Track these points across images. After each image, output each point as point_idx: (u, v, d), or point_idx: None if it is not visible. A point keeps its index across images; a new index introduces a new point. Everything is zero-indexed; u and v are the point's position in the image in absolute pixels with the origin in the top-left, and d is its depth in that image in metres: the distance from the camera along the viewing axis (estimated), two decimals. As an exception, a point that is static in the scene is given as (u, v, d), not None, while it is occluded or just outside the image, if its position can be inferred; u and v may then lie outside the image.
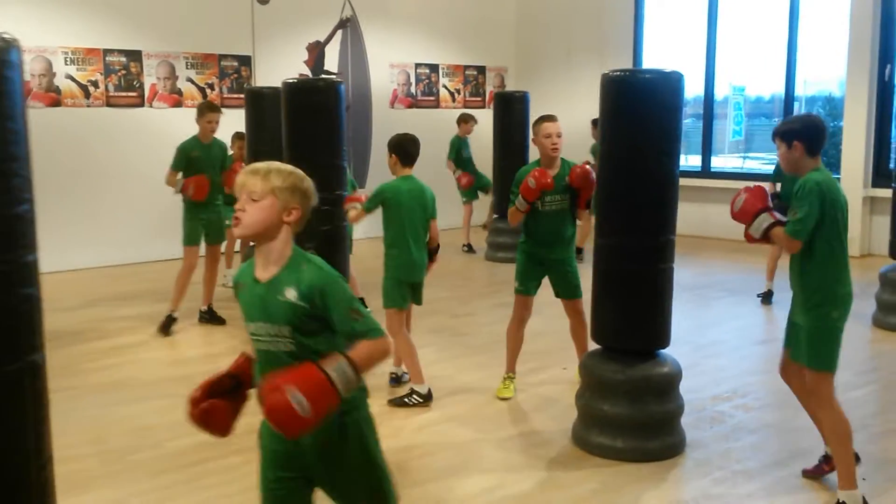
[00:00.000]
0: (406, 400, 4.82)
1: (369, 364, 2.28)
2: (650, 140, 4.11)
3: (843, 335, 3.49)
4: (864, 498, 3.46)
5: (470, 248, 9.98)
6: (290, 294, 2.26)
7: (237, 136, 7.76)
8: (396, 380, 5.15)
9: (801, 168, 3.52)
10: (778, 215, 3.53)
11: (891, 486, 3.74)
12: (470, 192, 10.05)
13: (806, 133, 3.52)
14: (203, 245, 6.71)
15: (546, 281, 4.97)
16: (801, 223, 3.40)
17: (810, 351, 3.48)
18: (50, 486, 2.14)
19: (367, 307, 2.46)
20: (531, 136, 4.91)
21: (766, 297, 7.35)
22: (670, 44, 11.81)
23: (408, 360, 4.88)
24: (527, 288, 4.93)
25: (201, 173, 6.41)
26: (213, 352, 6.04)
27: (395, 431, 4.49)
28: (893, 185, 6.76)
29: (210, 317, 6.69)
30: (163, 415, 4.71)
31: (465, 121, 10.11)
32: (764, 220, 3.54)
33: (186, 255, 6.57)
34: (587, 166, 4.81)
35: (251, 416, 4.43)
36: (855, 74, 9.66)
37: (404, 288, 4.87)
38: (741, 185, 7.70)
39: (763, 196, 3.59)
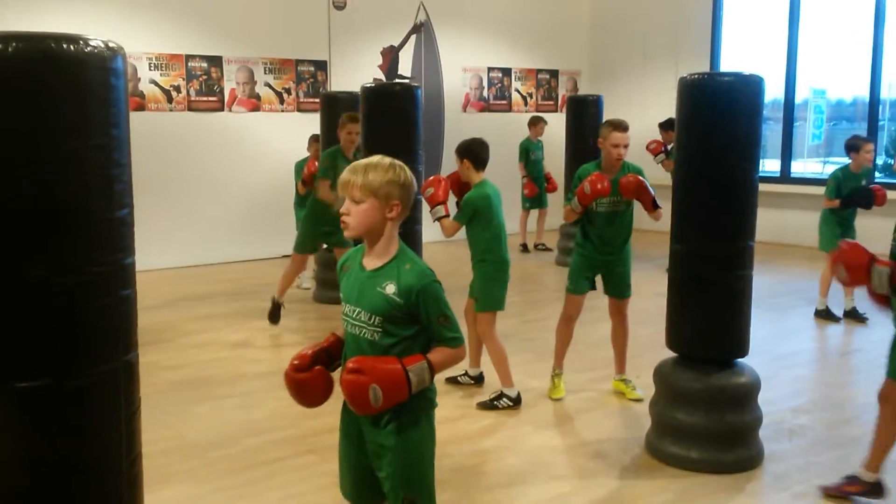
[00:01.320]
0: (496, 403, 4.83)
1: (444, 368, 2.47)
2: (729, 145, 4.03)
3: None
4: None
5: (525, 248, 10.21)
6: (390, 288, 2.41)
7: (314, 139, 7.88)
8: (474, 379, 5.20)
9: None
10: (884, 260, 3.28)
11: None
12: (532, 200, 10.11)
13: None
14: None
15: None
16: None
17: None
18: (139, 479, 2.21)
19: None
20: (599, 138, 4.88)
21: (827, 314, 6.95)
22: (749, 46, 11.55)
23: (499, 364, 4.88)
24: (576, 287, 4.95)
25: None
26: (288, 353, 6.14)
27: (467, 435, 4.50)
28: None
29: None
30: (240, 413, 4.82)
31: (535, 123, 10.14)
32: (882, 272, 3.25)
33: (295, 260, 6.72)
34: (639, 177, 4.74)
35: (326, 417, 4.50)
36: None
37: (504, 289, 4.89)
38: (822, 190, 7.52)
39: (859, 248, 3.35)
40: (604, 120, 9.32)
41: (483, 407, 4.84)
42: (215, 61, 9.50)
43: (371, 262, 2.47)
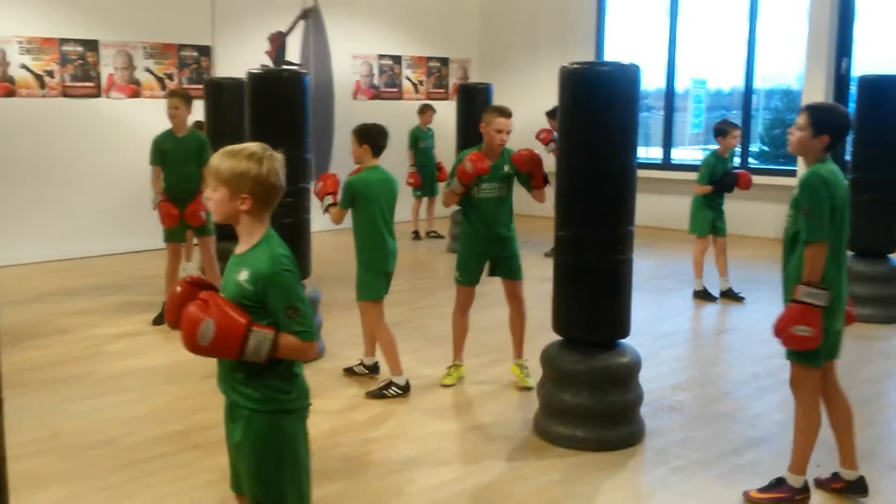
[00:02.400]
0: (384, 392, 4.82)
1: (288, 356, 2.37)
2: (608, 132, 4.14)
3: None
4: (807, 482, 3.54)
5: (417, 236, 10.30)
6: (243, 275, 2.34)
7: (197, 125, 7.62)
8: (369, 369, 5.18)
9: (809, 157, 3.41)
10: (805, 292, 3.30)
11: (844, 473, 3.81)
12: (423, 188, 10.23)
13: (839, 131, 3.43)
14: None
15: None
16: (818, 223, 3.28)
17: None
18: (3, 483, 2.09)
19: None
20: (482, 123, 4.89)
21: (704, 295, 7.21)
22: (633, 37, 11.88)
23: (388, 352, 4.86)
24: (467, 278, 4.98)
25: (176, 168, 6.26)
26: (169, 348, 5.96)
27: (358, 425, 4.48)
28: (849, 176, 6.87)
29: None
30: (120, 410, 4.65)
31: (424, 111, 10.24)
32: (807, 293, 3.28)
33: (169, 251, 6.43)
34: (532, 150, 4.82)
35: (210, 412, 4.39)
36: (813, 68, 9.80)
37: (382, 279, 4.86)
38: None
39: (799, 312, 3.32)
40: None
41: (372, 396, 4.82)
42: (91, 45, 9.08)
43: (239, 248, 2.42)
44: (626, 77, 4.17)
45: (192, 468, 3.88)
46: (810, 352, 3.37)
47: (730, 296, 7.17)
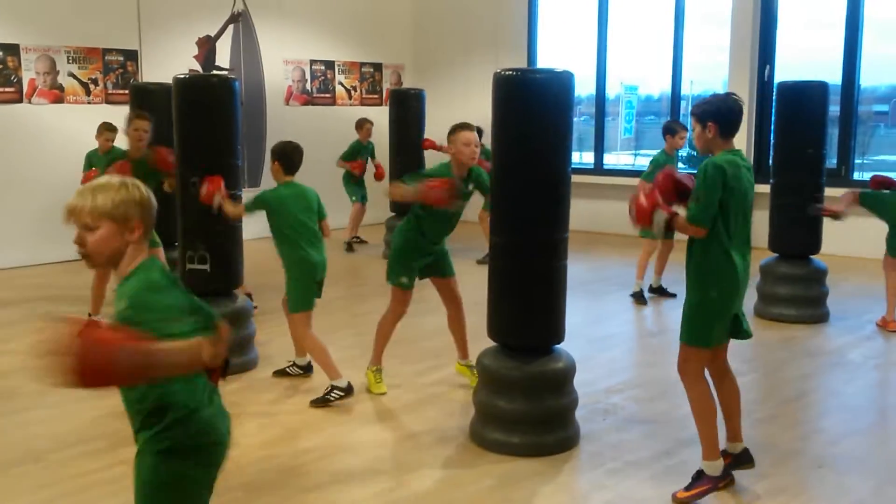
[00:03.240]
0: (328, 397, 4.78)
1: (158, 363, 2.06)
2: (541, 138, 4.17)
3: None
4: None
5: (350, 246, 9.97)
6: (121, 304, 2.18)
7: (105, 127, 7.30)
8: (303, 369, 5.21)
9: (714, 149, 3.57)
10: (672, 209, 3.60)
11: (773, 471, 3.91)
12: (358, 189, 10.02)
13: (722, 115, 3.55)
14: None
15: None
16: (704, 208, 3.46)
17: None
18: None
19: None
20: (446, 142, 4.89)
21: (640, 297, 7.36)
22: (565, 43, 12.04)
23: (321, 359, 4.83)
24: (408, 281, 4.92)
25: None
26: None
27: (291, 434, 4.42)
28: (771, 181, 7.07)
29: None
30: (45, 426, 4.51)
31: (362, 125, 10.04)
32: (660, 218, 3.56)
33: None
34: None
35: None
36: (736, 74, 10.07)
37: (311, 289, 4.84)
38: (633, 181, 7.95)
39: (654, 196, 3.61)
40: (426, 114, 9.52)
41: (316, 404, 4.78)
42: (12, 49, 8.80)
43: (116, 282, 2.26)
44: (559, 84, 4.20)
45: (123, 484, 3.74)
46: (701, 333, 3.56)
47: (660, 292, 7.34)
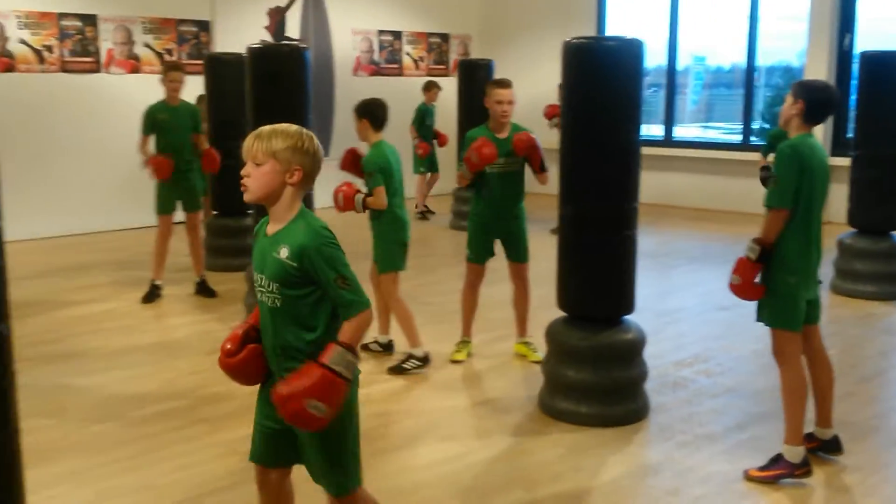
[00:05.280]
0: (405, 365, 4.83)
1: (359, 339, 2.41)
2: (611, 107, 4.13)
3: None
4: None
5: (423, 215, 10.03)
6: (283, 252, 2.35)
7: (200, 100, 7.58)
8: (384, 347, 5.19)
9: (791, 128, 3.52)
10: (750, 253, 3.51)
11: (850, 448, 3.83)
12: (425, 162, 10.08)
13: (817, 101, 3.49)
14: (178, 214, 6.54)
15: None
16: (782, 191, 3.40)
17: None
18: (17, 456, 2.10)
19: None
20: (485, 98, 4.89)
21: None
22: (634, 13, 11.80)
23: (405, 325, 4.87)
24: (478, 256, 4.99)
25: (169, 138, 6.27)
26: (174, 323, 5.98)
27: (364, 398, 4.46)
28: (852, 154, 6.86)
29: (201, 289, 6.51)
30: (126, 385, 4.66)
31: (429, 88, 10.13)
32: (748, 247, 3.50)
33: (160, 224, 6.42)
34: (531, 135, 4.80)
35: (214, 387, 4.40)
36: (815, 45, 9.76)
37: (401, 250, 4.86)
38: (702, 153, 7.81)
39: (749, 267, 3.52)
40: (491, 82, 9.47)
41: (393, 371, 4.83)
42: (90, 20, 9.02)
43: (271, 228, 2.43)
44: (630, 52, 4.14)
45: (201, 442, 3.90)
46: (790, 315, 3.49)
47: None
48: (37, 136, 8.70)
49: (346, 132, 5.01)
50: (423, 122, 10.06)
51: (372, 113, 4.81)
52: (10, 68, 8.52)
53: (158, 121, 6.28)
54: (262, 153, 2.36)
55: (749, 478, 3.58)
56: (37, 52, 8.71)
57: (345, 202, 4.75)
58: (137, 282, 6.77)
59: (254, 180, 2.38)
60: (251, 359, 2.47)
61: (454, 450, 3.89)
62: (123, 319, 5.99)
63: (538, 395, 4.38)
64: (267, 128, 2.41)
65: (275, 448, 2.55)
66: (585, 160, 4.18)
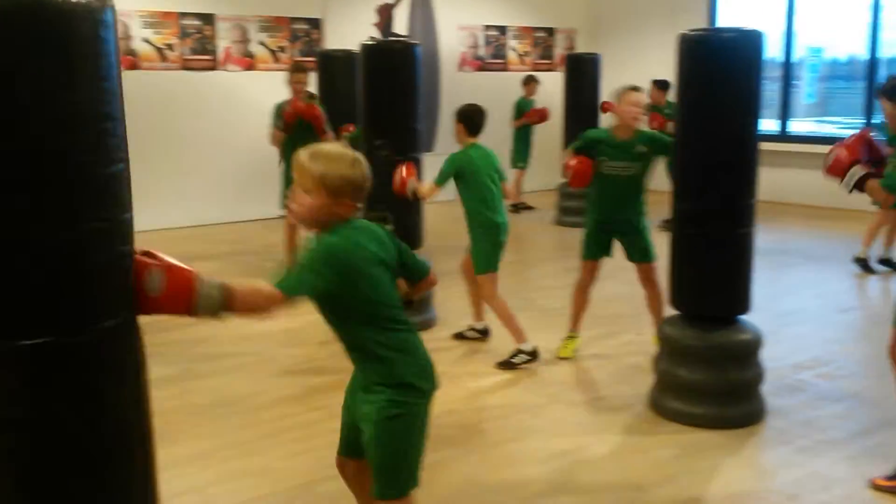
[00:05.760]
0: (514, 360, 4.84)
1: (246, 302, 2.26)
2: (730, 101, 4.01)
3: None
4: None
5: (516, 209, 9.99)
6: None
7: (311, 97, 7.75)
8: (481, 332, 5.30)
9: None
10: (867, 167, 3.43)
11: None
12: (523, 156, 10.04)
13: None
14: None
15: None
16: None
17: None
18: (150, 436, 2.21)
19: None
20: (615, 101, 4.83)
21: (864, 265, 7.04)
22: (746, 4, 11.44)
23: (508, 323, 4.89)
24: (591, 253, 4.91)
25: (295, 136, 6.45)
26: (291, 313, 6.14)
27: (472, 392, 4.53)
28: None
29: None
30: (244, 372, 4.83)
31: (528, 82, 10.19)
32: (855, 173, 3.42)
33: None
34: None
35: (329, 376, 4.51)
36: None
37: (497, 250, 4.90)
38: (819, 148, 7.53)
39: (857, 149, 3.45)
40: (601, 79, 9.36)
41: (502, 366, 4.85)
42: (208, 19, 9.36)
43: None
44: (749, 44, 4.02)
45: (318, 428, 3.99)
46: None
47: (888, 264, 7.04)
48: (158, 131, 9.09)
49: (451, 127, 5.05)
50: (520, 115, 10.08)
51: (469, 118, 4.89)
52: (134, 66, 8.92)
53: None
54: (313, 181, 2.34)
55: (875, 486, 3.43)
56: (159, 50, 9.10)
57: (400, 183, 4.89)
58: (254, 272, 6.99)
59: (299, 208, 2.41)
60: None
61: (564, 445, 3.87)
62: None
63: (648, 394, 4.31)
64: (322, 151, 2.38)
65: (346, 439, 2.62)
66: (702, 155, 4.08)
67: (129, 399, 2.08)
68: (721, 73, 4.00)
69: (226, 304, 2.17)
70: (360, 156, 2.42)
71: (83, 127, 1.85)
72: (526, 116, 10.02)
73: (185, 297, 2.12)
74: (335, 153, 2.39)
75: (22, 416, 1.92)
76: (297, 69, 6.65)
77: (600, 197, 4.82)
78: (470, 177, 4.79)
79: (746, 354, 4.12)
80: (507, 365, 4.84)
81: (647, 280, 4.92)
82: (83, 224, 1.88)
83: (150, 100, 9.01)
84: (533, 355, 4.85)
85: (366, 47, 5.60)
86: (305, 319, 6.09)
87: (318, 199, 2.32)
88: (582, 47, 12.31)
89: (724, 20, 11.33)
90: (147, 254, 2.11)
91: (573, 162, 4.71)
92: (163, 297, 2.09)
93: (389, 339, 2.40)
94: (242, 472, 3.64)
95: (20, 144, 1.79)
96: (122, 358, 2.05)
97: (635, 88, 4.74)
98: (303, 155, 2.36)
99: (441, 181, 4.83)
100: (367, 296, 2.37)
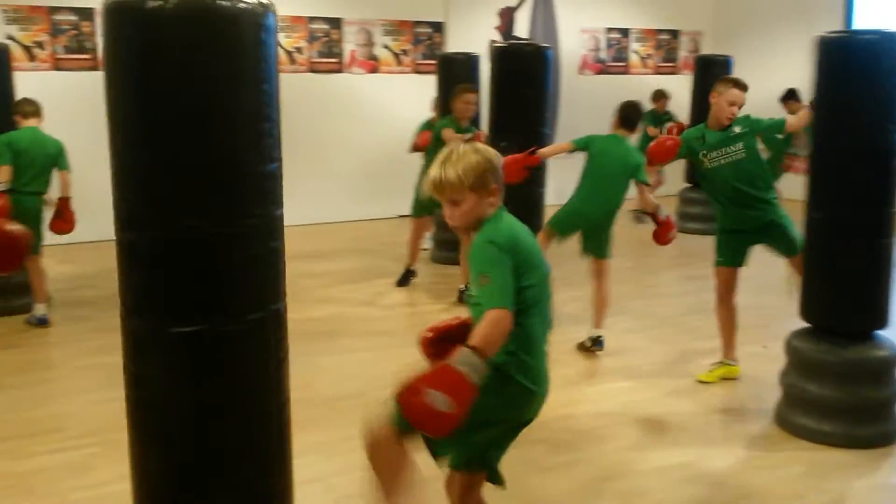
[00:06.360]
0: (584, 342, 5.12)
1: (490, 343, 2.21)
2: (871, 106, 3.85)
3: None
4: None
5: (639, 218, 9.74)
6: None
7: (437, 102, 7.87)
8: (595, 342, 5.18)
9: None
10: None
11: None
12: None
13: None
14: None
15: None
16: None
17: None
18: (288, 424, 2.30)
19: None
20: (713, 92, 4.64)
21: None
22: (883, 4, 10.90)
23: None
24: (724, 259, 4.64)
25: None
26: (414, 311, 6.28)
27: (588, 398, 4.50)
28: None
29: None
30: (365, 367, 4.95)
31: (658, 98, 9.84)
32: None
33: (418, 222, 6.79)
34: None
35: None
36: None
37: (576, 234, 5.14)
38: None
39: None
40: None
41: (580, 348, 5.09)
42: (335, 23, 9.63)
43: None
44: (891, 46, 3.85)
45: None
46: None
47: None
48: (286, 132, 9.30)
49: (569, 132, 5.10)
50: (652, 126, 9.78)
51: (622, 111, 5.09)
52: (265, 69, 9.26)
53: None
54: (458, 192, 2.37)
55: None
56: (288, 53, 9.43)
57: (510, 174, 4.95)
58: (375, 270, 7.17)
59: (460, 218, 2.41)
60: (436, 353, 2.46)
61: (685, 457, 3.80)
62: (363, 305, 6.36)
63: (774, 408, 4.18)
64: (448, 167, 2.37)
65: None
66: (839, 162, 3.93)
67: (273, 387, 2.18)
68: (860, 78, 3.85)
69: (484, 358, 2.18)
70: (466, 145, 2.44)
71: (245, 127, 1.97)
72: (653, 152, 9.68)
73: (467, 390, 2.13)
74: (454, 154, 2.42)
75: (177, 399, 2.05)
76: (467, 90, 6.43)
77: (717, 198, 4.59)
78: (594, 158, 4.98)
79: (883, 372, 3.95)
80: (582, 347, 5.08)
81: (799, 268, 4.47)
82: (238, 219, 1.99)
83: (280, 101, 9.34)
84: (596, 343, 5.06)
85: (496, 49, 5.65)
86: (432, 318, 6.21)
87: (469, 200, 2.37)
88: (707, 50, 11.99)
89: (861, 21, 10.82)
90: (412, 390, 2.12)
91: (653, 144, 4.72)
92: (457, 407, 2.11)
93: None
94: (364, 463, 3.73)
95: (193, 142, 1.91)
96: (268, 348, 2.15)
97: (739, 84, 4.54)
98: (433, 173, 2.41)
99: (578, 143, 5.03)
100: (538, 275, 2.40)
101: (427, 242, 8.18)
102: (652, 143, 4.73)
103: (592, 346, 5.13)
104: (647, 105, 9.92)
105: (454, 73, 7.81)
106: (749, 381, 4.72)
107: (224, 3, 1.88)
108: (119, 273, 2.04)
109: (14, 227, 2.22)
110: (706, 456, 3.81)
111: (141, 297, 2.00)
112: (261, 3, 2.00)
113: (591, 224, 5.06)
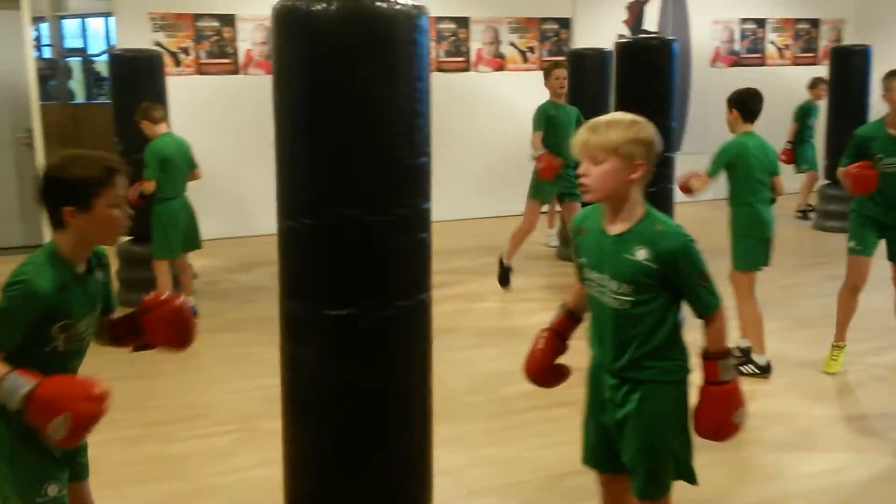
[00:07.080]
0: (742, 368, 4.57)
1: (724, 339, 2.37)
2: None
3: None
4: None
5: (805, 214, 9.30)
6: (641, 254, 2.24)
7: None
8: (744, 354, 4.74)
9: None
10: None
11: None
12: (809, 160, 9.31)
13: None
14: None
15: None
16: None
17: None
18: (430, 411, 2.36)
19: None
20: (883, 91, 4.43)
21: None
22: None
23: (752, 329, 4.62)
24: (863, 247, 4.47)
25: (557, 136, 6.44)
26: (540, 307, 6.25)
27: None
28: None
29: None
30: (494, 362, 4.98)
31: (815, 85, 9.29)
32: None
33: (531, 210, 6.76)
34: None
35: (576, 373, 4.54)
36: None
37: (760, 247, 4.58)
38: None
39: None
40: (872, 74, 8.59)
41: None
42: (462, 22, 9.70)
43: (615, 227, 2.30)
44: None
45: (562, 424, 4.04)
46: None
47: None
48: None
49: (700, 126, 4.90)
50: (804, 121, 9.29)
51: (744, 103, 4.63)
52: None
53: (550, 118, 6.52)
54: (602, 150, 2.21)
55: None
56: (416, 53, 9.57)
57: (683, 186, 4.76)
58: (495, 268, 7.18)
59: (594, 180, 2.24)
60: (552, 378, 2.65)
61: (828, 464, 3.64)
62: (490, 302, 6.41)
63: (929, 416, 3.95)
64: (601, 120, 2.26)
65: (596, 449, 2.56)
66: None
67: (417, 375, 2.24)
68: None
69: (730, 354, 2.41)
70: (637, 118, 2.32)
71: (399, 122, 2.04)
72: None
73: (740, 392, 2.44)
74: (616, 117, 2.32)
75: (329, 380, 2.14)
76: (556, 65, 6.66)
77: (876, 197, 4.41)
78: (742, 168, 4.51)
79: None
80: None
81: None
82: (391, 209, 2.06)
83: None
84: (763, 370, 4.57)
85: (620, 45, 5.58)
86: (550, 316, 6.19)
87: (611, 165, 2.23)
88: (850, 39, 11.39)
89: None
90: (723, 424, 2.45)
91: (853, 170, 4.36)
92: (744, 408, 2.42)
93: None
94: (493, 458, 3.77)
95: (346, 134, 1.99)
96: (414, 336, 2.21)
97: None
98: (586, 125, 2.30)
99: (713, 172, 4.59)
100: None
101: (553, 240, 8.14)
102: (853, 172, 4.37)
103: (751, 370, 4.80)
104: (805, 95, 9.44)
105: (584, 69, 7.73)
106: (894, 387, 4.47)
107: (381, 5, 1.95)
108: (279, 258, 2.16)
109: (185, 302, 2.37)
110: (850, 463, 3.66)
111: (299, 282, 2.10)
112: (415, 4, 2.07)
113: (773, 226, 4.69)
